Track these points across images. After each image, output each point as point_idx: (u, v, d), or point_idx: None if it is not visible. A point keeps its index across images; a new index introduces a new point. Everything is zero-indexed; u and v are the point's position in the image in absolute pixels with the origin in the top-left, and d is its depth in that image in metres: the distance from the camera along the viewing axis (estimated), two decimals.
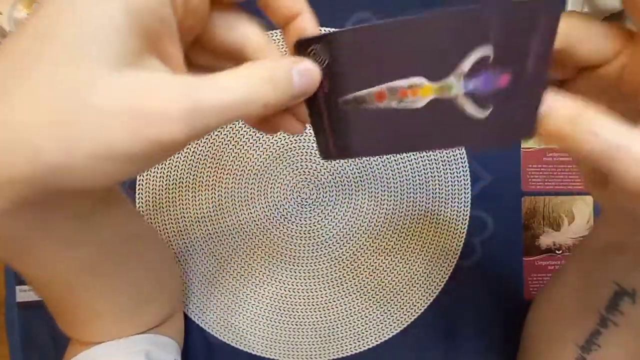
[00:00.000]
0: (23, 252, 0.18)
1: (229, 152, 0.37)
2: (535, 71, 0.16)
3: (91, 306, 0.23)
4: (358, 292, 0.37)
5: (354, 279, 0.37)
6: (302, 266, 0.37)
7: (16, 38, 0.14)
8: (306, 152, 0.37)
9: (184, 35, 0.17)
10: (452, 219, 0.37)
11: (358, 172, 0.37)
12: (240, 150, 0.37)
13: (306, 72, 0.18)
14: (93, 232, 0.20)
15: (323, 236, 0.37)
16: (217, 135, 0.37)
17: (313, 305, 0.37)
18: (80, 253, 0.20)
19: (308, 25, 0.18)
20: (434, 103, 0.17)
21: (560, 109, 0.16)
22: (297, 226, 0.37)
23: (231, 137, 0.37)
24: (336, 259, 0.37)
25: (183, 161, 0.37)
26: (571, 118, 0.15)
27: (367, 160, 0.37)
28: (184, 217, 0.37)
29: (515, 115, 0.17)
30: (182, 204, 0.37)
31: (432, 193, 0.37)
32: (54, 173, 0.13)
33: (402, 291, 0.37)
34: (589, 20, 0.18)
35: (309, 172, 0.37)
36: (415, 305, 0.37)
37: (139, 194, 0.37)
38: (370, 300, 0.37)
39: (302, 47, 0.18)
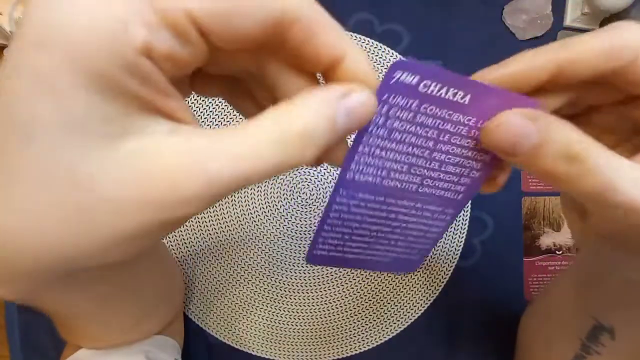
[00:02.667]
0: (34, 299, 0.17)
1: None
2: None
3: (95, 323, 0.23)
4: (358, 292, 0.37)
5: (354, 279, 0.37)
6: (302, 267, 0.37)
7: None
8: None
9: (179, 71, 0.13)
10: None
11: None
12: None
13: (356, 109, 0.14)
14: (110, 272, 0.19)
15: None
16: None
17: (313, 306, 0.36)
18: (93, 291, 0.19)
19: (359, 67, 0.14)
20: None
21: (556, 141, 0.14)
22: (297, 227, 0.37)
23: None
24: None
25: None
26: (569, 154, 0.14)
27: None
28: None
29: None
30: None
31: None
32: (61, 263, 0.12)
33: (402, 291, 0.37)
34: None
35: (309, 172, 0.37)
36: (415, 306, 0.37)
37: None
38: (370, 300, 0.37)
39: None
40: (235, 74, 0.16)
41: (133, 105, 0.12)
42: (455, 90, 0.15)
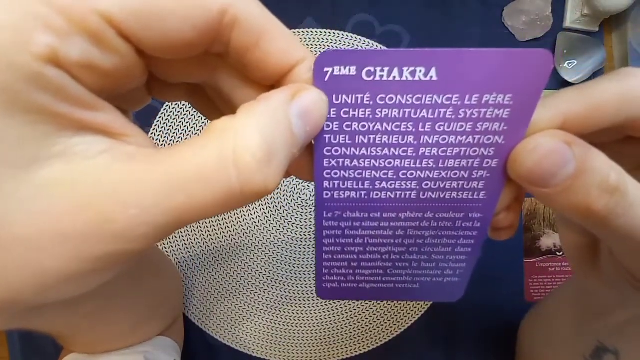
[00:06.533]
0: (22, 323, 0.16)
1: None
2: None
3: (88, 335, 0.23)
4: None
5: None
6: (302, 268, 0.37)
7: None
8: None
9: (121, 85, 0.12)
10: None
11: None
12: None
13: (310, 110, 0.12)
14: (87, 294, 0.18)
15: None
16: None
17: (313, 307, 0.36)
18: (86, 306, 0.19)
19: (310, 75, 0.13)
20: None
21: (595, 170, 0.12)
22: (297, 228, 0.37)
23: None
24: None
25: None
26: (608, 186, 0.12)
27: None
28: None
29: None
30: None
31: None
32: (5, 304, 0.11)
33: None
34: None
35: None
36: (415, 307, 0.37)
37: None
38: (370, 302, 0.37)
39: None
40: (189, 81, 0.14)
41: (51, 123, 0.10)
42: (411, 68, 0.12)
